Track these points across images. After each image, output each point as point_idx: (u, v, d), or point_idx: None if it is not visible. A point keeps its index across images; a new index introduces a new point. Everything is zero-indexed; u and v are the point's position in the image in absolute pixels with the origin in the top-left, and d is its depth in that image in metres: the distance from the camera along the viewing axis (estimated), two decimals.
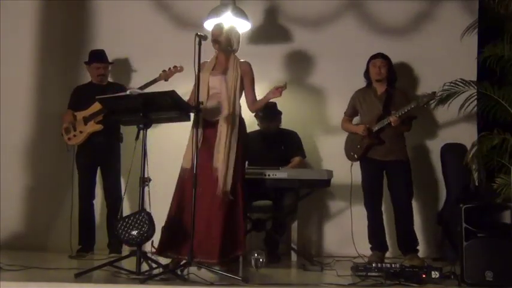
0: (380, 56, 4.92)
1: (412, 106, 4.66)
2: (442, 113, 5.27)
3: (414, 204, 4.89)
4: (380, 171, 4.84)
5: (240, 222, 4.06)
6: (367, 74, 4.97)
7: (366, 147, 4.81)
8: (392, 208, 4.84)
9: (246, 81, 4.26)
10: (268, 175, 4.68)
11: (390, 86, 4.91)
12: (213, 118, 4.14)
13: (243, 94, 4.29)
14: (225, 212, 3.98)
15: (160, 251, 4.04)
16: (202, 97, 4.10)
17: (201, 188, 3.89)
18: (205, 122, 4.11)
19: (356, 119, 5.12)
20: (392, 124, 4.69)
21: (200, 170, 3.86)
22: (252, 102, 4.28)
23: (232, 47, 4.28)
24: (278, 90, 4.12)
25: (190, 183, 3.89)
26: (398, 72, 5.09)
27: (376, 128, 4.77)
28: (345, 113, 5.09)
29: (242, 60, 4.29)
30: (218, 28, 4.27)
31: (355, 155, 4.87)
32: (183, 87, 4.31)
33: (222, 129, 4.09)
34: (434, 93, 4.73)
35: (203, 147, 4.07)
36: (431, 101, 4.76)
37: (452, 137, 5.41)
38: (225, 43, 4.23)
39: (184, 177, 4.10)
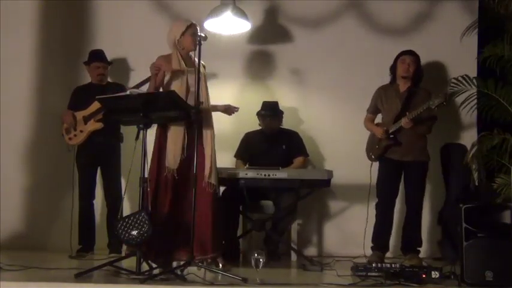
0: (410, 53, 4.84)
1: (424, 108, 4.57)
2: (442, 113, 5.27)
3: None
4: (397, 172, 4.78)
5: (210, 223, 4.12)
6: (393, 69, 4.88)
7: (384, 147, 4.77)
8: (406, 208, 4.82)
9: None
10: (268, 175, 4.68)
11: (414, 85, 4.82)
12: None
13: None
14: (213, 210, 4.09)
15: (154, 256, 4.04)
16: (182, 95, 4.07)
17: (186, 186, 4.01)
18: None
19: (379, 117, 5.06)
20: (404, 127, 4.63)
21: (186, 169, 3.97)
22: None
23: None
24: (231, 111, 4.44)
25: (176, 183, 4.05)
26: None
27: (392, 129, 4.71)
28: (367, 110, 5.00)
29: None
30: (196, 29, 4.19)
31: (373, 156, 4.85)
32: None
33: (206, 127, 4.13)
34: (446, 94, 4.67)
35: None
36: (444, 103, 4.63)
37: (452, 137, 5.41)
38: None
39: (168, 178, 4.10)
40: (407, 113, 4.64)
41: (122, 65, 5.62)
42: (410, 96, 4.76)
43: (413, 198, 4.75)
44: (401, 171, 4.78)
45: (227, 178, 4.64)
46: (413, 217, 4.76)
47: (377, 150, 4.81)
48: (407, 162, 4.73)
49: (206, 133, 4.15)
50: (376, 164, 4.85)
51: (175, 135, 4.10)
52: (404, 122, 4.62)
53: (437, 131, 5.46)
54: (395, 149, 4.74)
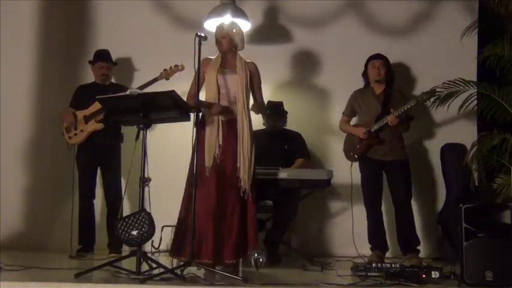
0: (379, 56, 4.92)
1: (412, 104, 4.66)
2: (442, 113, 5.27)
3: (414, 204, 4.89)
4: (379, 171, 4.84)
5: (253, 222, 4.12)
6: (365, 74, 4.97)
7: (366, 147, 4.82)
8: (393, 208, 4.84)
9: (255, 82, 4.28)
10: (268, 175, 4.68)
11: (389, 87, 4.91)
12: (227, 117, 4.14)
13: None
14: (244, 212, 4.06)
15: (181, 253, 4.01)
16: (212, 96, 4.13)
17: (221, 188, 4.02)
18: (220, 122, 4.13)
19: (354, 119, 5.12)
20: (390, 124, 4.69)
21: (218, 169, 4.00)
22: (260, 103, 4.33)
23: (237, 47, 4.27)
24: (214, 109, 4.14)
25: (212, 180, 4.02)
26: (398, 72, 5.10)
27: (374, 128, 4.77)
28: (343, 113, 5.08)
29: (249, 60, 4.28)
30: (220, 29, 4.25)
31: (355, 155, 4.88)
32: (184, 86, 4.30)
33: (242, 129, 4.10)
34: (434, 90, 4.74)
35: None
36: (432, 99, 4.76)
37: (452, 137, 5.41)
38: (228, 45, 4.22)
39: (204, 175, 4.05)
40: (391, 111, 4.70)
41: (126, 65, 5.61)
42: (388, 98, 4.83)
43: (402, 197, 4.77)
44: (382, 170, 4.84)
45: None
46: (405, 217, 4.77)
47: (358, 149, 4.85)
48: (389, 162, 4.78)
49: (241, 137, 4.10)
50: (356, 166, 4.88)
51: (210, 132, 4.10)
52: (390, 118, 4.68)
53: (437, 131, 5.49)
54: (377, 148, 4.79)
